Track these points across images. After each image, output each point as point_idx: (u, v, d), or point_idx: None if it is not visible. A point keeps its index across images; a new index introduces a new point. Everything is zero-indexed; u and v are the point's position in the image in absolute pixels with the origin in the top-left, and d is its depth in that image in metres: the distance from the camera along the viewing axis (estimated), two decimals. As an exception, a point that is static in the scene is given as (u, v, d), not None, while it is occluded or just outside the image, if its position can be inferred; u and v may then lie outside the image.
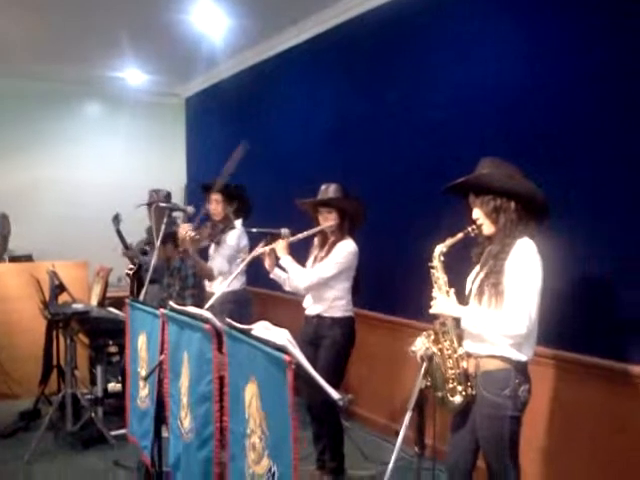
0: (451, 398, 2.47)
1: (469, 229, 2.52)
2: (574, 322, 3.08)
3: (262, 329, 2.17)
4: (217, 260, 4.04)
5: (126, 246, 5.20)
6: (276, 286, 3.72)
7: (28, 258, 6.08)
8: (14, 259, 5.95)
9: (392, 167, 4.40)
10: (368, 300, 4.24)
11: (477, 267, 2.61)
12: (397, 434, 2.35)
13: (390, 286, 4.35)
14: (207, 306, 2.93)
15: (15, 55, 6.08)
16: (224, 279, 3.91)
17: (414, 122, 4.22)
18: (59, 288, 4.79)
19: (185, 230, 3.87)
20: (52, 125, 7.21)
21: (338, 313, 3.50)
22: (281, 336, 2.04)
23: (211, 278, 4.08)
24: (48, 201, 6.71)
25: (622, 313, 2.95)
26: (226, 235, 4.08)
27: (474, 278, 2.57)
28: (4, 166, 6.83)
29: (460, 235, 2.54)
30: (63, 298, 4.85)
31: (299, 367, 1.99)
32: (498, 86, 3.61)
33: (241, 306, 4.06)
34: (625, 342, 2.94)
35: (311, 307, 3.59)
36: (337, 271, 3.45)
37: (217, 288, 3.83)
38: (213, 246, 4.15)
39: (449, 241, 2.54)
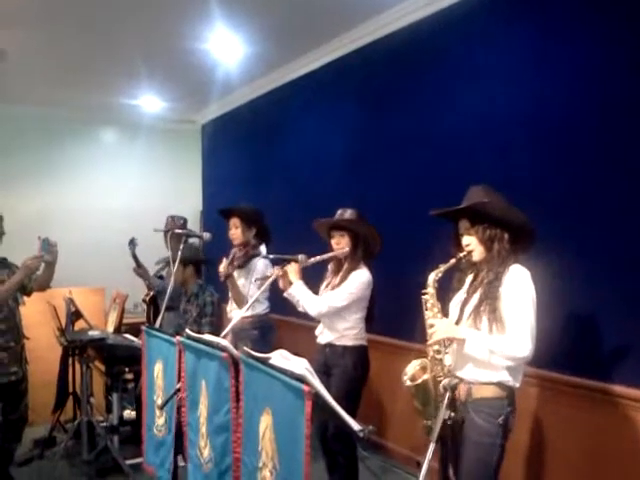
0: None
1: (461, 255, 2.54)
2: (560, 344, 3.12)
3: (280, 358, 2.13)
4: (251, 289, 3.91)
5: (139, 265, 5.15)
6: (291, 312, 3.65)
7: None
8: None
9: (407, 193, 4.36)
10: (390, 327, 4.16)
11: (460, 293, 2.61)
12: (419, 465, 2.30)
13: (413, 313, 4.28)
14: (224, 334, 2.88)
15: (32, 82, 6.15)
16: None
17: (430, 148, 4.19)
18: (75, 315, 4.79)
19: (223, 266, 3.99)
20: (67, 152, 7.27)
21: (350, 342, 3.42)
22: (300, 365, 1.99)
23: (241, 305, 3.99)
24: (64, 227, 6.70)
25: (604, 337, 3.06)
26: (255, 263, 4.02)
27: (463, 305, 2.55)
28: (20, 192, 6.88)
29: (453, 261, 2.56)
30: (79, 325, 4.84)
31: (318, 397, 1.94)
32: (510, 113, 3.57)
33: (265, 332, 4.03)
34: (606, 363, 3.04)
35: (322, 335, 3.52)
36: (349, 302, 3.36)
37: (236, 314, 3.79)
38: (237, 272, 4.09)
39: (443, 267, 2.56)
